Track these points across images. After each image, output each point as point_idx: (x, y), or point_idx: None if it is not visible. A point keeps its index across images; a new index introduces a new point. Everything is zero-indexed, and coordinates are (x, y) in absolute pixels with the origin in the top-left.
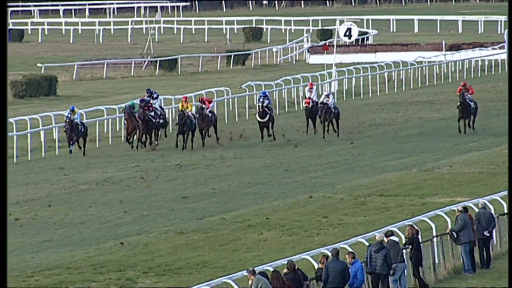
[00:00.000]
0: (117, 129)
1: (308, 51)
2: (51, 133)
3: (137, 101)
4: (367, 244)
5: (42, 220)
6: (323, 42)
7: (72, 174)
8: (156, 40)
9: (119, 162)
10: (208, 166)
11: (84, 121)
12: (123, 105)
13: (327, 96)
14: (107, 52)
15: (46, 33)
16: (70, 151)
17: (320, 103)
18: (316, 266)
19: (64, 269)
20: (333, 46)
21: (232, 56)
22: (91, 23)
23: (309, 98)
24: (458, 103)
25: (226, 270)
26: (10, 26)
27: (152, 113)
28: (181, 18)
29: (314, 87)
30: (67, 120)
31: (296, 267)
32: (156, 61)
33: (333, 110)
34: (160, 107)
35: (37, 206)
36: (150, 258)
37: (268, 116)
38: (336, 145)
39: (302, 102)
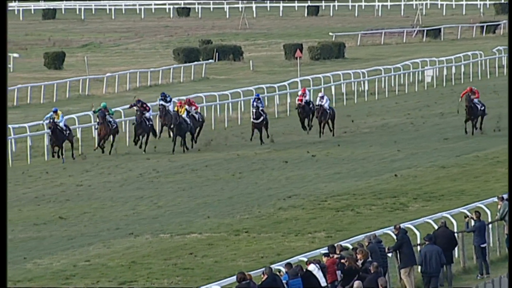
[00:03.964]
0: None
1: None
2: (340, 87)
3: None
4: None
5: (333, 156)
6: None
7: (356, 120)
8: (424, 13)
9: (394, 111)
10: None
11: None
12: (96, 109)
13: (322, 97)
14: (384, 24)
15: (336, 8)
16: (53, 155)
17: (317, 105)
18: None
19: (350, 195)
20: None
21: (485, 26)
22: (371, 0)
23: (302, 95)
24: (465, 106)
25: (479, 197)
26: (308, 3)
27: (148, 114)
28: None
29: (307, 91)
30: (50, 121)
31: None
32: (423, 30)
33: (328, 111)
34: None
35: (329, 145)
36: (418, 187)
37: (262, 117)
38: None
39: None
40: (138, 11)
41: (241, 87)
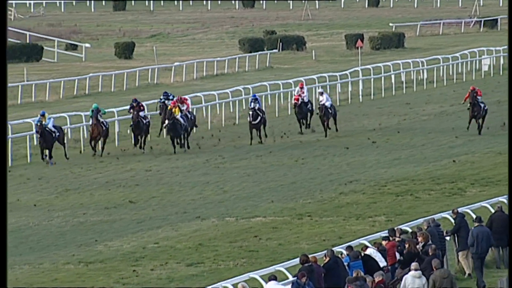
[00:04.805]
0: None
1: None
2: (400, 76)
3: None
4: None
5: (392, 143)
6: None
7: (415, 108)
8: (481, 4)
9: (452, 99)
10: None
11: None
12: (89, 112)
13: (321, 94)
14: (443, 14)
15: (396, 0)
16: (42, 159)
17: (319, 105)
18: None
19: (410, 180)
20: None
21: None
22: None
23: (299, 94)
24: (469, 104)
25: None
26: None
27: (142, 113)
28: None
29: (305, 87)
30: (38, 125)
31: None
32: (481, 21)
33: (330, 110)
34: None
35: (388, 132)
36: (476, 172)
37: (259, 118)
38: None
39: None
40: (205, 3)
41: (304, 76)
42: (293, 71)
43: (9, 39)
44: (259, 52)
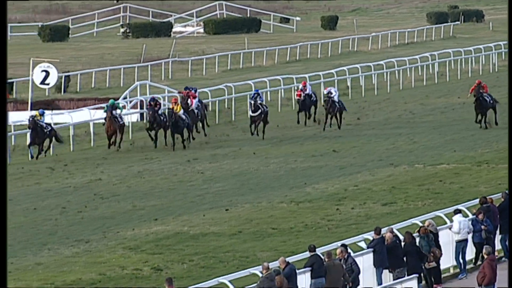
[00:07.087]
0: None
1: None
2: None
3: (119, 101)
4: None
5: None
6: None
7: None
8: None
9: None
10: None
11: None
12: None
13: (330, 91)
14: None
15: None
16: (31, 155)
17: (325, 97)
18: None
19: None
20: None
21: None
22: None
23: (301, 90)
24: (474, 100)
25: None
26: None
27: (160, 111)
28: None
29: (308, 84)
30: (30, 120)
31: None
32: None
33: (337, 104)
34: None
35: None
36: None
37: (259, 110)
38: None
39: None
40: None
41: (482, 44)
42: (473, 40)
43: (232, 14)
44: (444, 24)
